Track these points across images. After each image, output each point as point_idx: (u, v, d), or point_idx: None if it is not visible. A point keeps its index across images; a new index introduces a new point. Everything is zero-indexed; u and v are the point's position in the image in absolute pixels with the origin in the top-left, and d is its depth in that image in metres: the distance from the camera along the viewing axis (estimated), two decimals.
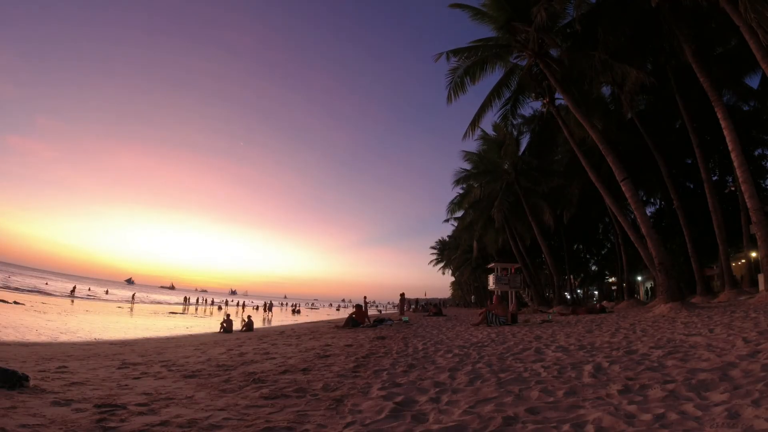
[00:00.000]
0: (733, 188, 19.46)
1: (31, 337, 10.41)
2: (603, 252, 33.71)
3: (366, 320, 12.99)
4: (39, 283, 50.11)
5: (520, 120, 21.34)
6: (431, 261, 65.70)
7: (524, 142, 26.60)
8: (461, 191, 32.53)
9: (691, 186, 20.62)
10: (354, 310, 13.63)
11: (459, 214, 36.61)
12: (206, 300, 53.03)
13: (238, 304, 51.46)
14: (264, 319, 27.92)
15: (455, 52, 15.77)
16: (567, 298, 30.59)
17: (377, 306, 68.77)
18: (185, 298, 51.12)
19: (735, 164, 11.61)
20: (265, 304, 41.27)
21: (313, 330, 12.73)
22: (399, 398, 3.08)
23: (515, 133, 24.62)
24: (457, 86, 15.71)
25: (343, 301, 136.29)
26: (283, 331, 12.99)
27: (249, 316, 16.37)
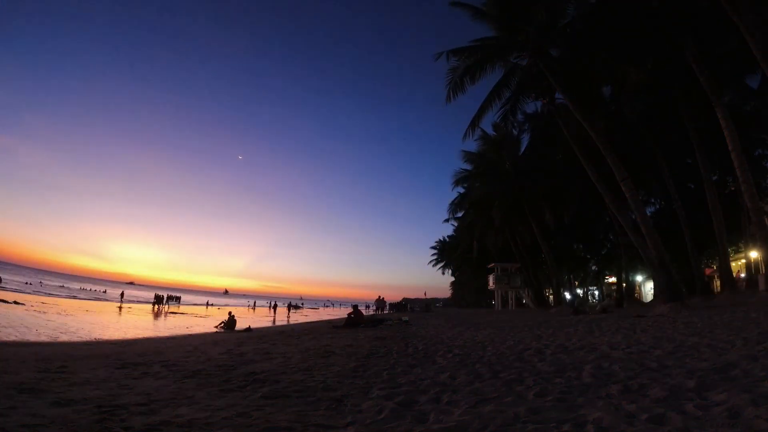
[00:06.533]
0: (733, 188, 19.46)
1: (31, 337, 10.41)
2: (603, 252, 33.68)
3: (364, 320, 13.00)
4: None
5: (520, 119, 21.32)
6: (431, 261, 65.70)
7: (524, 142, 26.62)
8: (461, 191, 32.53)
9: (691, 186, 20.61)
10: (351, 310, 13.64)
11: (459, 214, 36.63)
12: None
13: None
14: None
15: (455, 52, 15.76)
16: (567, 297, 30.61)
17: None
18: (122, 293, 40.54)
19: (735, 164, 11.61)
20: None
21: (312, 330, 12.74)
22: (399, 398, 3.08)
23: (516, 132, 24.62)
24: (456, 85, 15.70)
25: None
26: (282, 331, 12.99)
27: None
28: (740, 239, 20.92)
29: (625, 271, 27.19)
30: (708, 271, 23.68)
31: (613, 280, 35.02)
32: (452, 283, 70.87)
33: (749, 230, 17.78)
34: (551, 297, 31.59)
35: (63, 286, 61.56)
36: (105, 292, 57.58)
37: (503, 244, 30.74)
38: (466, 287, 56.56)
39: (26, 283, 54.27)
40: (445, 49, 15.87)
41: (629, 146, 17.91)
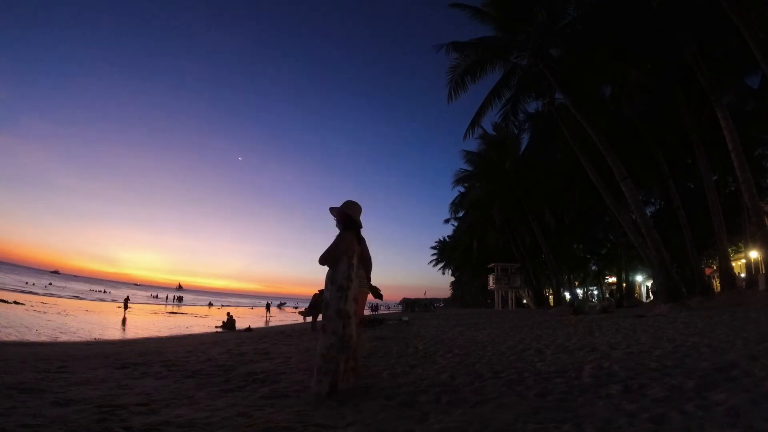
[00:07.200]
0: (733, 188, 19.46)
1: (31, 337, 10.42)
2: (603, 252, 33.70)
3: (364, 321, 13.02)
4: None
5: (521, 119, 21.28)
6: (431, 261, 65.67)
7: (524, 141, 26.61)
8: (462, 191, 32.51)
9: (691, 186, 20.62)
10: None
11: (460, 214, 36.60)
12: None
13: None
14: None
15: (456, 46, 15.68)
16: (567, 297, 30.61)
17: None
18: None
19: (735, 164, 11.61)
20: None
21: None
22: (400, 398, 3.08)
23: (516, 132, 24.58)
24: (457, 84, 15.69)
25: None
26: (282, 331, 12.99)
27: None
28: (740, 239, 20.91)
29: (625, 271, 27.15)
30: (708, 271, 23.68)
31: (613, 280, 35.06)
32: (452, 283, 70.83)
33: (749, 230, 17.78)
34: (551, 297, 31.60)
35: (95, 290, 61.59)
36: (107, 292, 57.65)
37: (503, 244, 30.74)
38: (466, 287, 56.55)
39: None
40: (446, 43, 15.77)
41: (629, 146, 17.90)
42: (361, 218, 3.61)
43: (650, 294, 27.12)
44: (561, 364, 4.12)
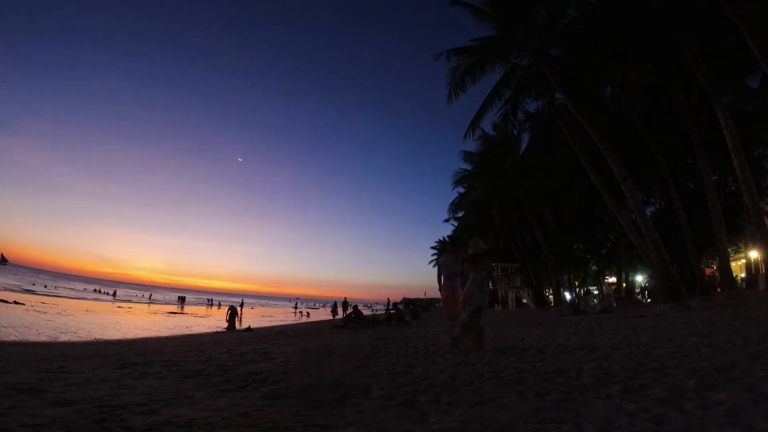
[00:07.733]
0: (733, 188, 19.46)
1: (31, 337, 10.42)
2: (603, 252, 33.67)
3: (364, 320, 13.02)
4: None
5: (521, 119, 21.24)
6: (431, 261, 65.65)
7: (524, 141, 26.60)
8: (461, 191, 32.51)
9: (691, 186, 20.62)
10: (351, 310, 13.67)
11: (459, 214, 36.61)
12: None
13: None
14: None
15: (455, 51, 15.76)
16: (567, 297, 30.61)
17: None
18: None
19: (735, 164, 11.61)
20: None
21: (312, 330, 12.75)
22: (400, 398, 3.08)
23: (516, 132, 24.55)
24: (457, 85, 15.72)
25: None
26: (282, 331, 13.00)
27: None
28: (740, 239, 20.92)
29: (625, 271, 27.15)
30: (708, 271, 23.67)
31: (613, 280, 35.02)
32: None
33: (749, 230, 17.79)
34: (551, 297, 31.60)
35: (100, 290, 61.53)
36: (100, 291, 57.74)
37: (503, 244, 30.75)
38: None
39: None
40: (445, 50, 15.88)
41: (629, 146, 17.90)
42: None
43: (645, 294, 27.08)
44: (561, 364, 4.12)
